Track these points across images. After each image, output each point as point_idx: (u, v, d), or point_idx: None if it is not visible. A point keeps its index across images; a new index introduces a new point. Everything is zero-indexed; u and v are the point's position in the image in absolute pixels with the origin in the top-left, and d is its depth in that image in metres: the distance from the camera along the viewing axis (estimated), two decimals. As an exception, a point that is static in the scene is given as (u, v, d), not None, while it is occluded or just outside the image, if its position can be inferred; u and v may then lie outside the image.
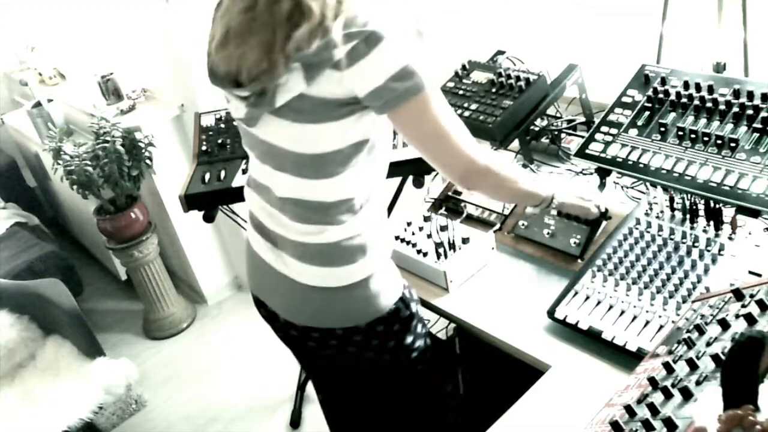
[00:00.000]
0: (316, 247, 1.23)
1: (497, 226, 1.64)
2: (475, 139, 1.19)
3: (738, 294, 0.98)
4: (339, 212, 1.21)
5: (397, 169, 1.57)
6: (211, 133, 2.15)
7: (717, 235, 1.31)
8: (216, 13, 1.19)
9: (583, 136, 1.62)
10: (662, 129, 1.43)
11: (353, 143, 1.16)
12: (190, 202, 1.94)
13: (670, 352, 0.97)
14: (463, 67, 1.91)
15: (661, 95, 1.49)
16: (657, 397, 0.86)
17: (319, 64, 1.06)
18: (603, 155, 1.48)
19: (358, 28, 1.04)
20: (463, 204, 1.73)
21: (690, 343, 0.94)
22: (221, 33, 1.13)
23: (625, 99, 1.55)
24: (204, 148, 2.09)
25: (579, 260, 1.47)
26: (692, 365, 0.88)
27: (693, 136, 1.38)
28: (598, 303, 1.30)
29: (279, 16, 1.05)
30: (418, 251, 1.54)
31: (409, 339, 1.33)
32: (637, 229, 1.41)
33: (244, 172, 1.97)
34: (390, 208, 1.87)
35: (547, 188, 1.38)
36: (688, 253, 1.30)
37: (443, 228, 1.54)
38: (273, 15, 1.06)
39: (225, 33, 1.12)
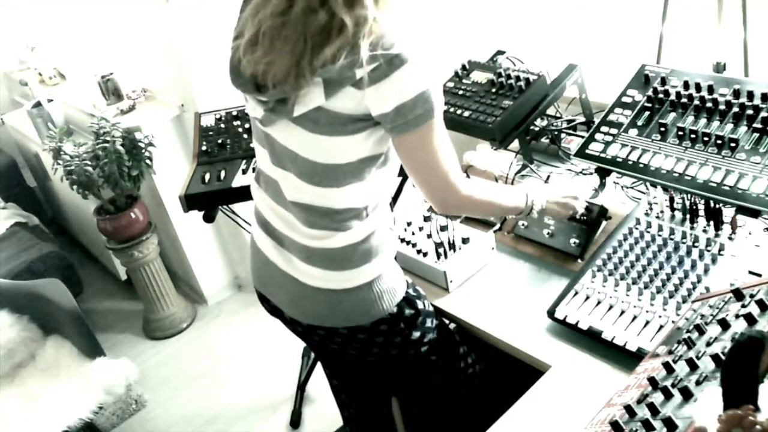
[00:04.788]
0: (323, 252, 1.24)
1: (497, 226, 1.64)
2: (459, 166, 1.23)
3: (738, 294, 0.98)
4: (346, 219, 1.22)
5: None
6: (211, 133, 2.15)
7: (717, 235, 1.32)
8: (244, 11, 1.14)
9: (583, 136, 1.62)
10: (662, 129, 1.43)
11: (366, 157, 1.17)
12: (190, 202, 1.94)
13: (670, 352, 0.97)
14: (463, 67, 1.91)
15: (661, 95, 1.48)
16: (657, 397, 0.86)
17: (340, 81, 1.06)
18: (603, 155, 1.48)
19: (384, 50, 1.04)
20: (463, 204, 1.73)
21: (690, 343, 0.94)
22: (252, 33, 1.09)
23: (625, 99, 1.55)
24: (204, 148, 2.09)
25: (579, 260, 1.47)
26: (692, 365, 0.88)
27: (693, 136, 1.38)
28: (598, 303, 1.30)
29: (313, 27, 1.04)
30: (418, 251, 1.54)
31: (417, 334, 1.34)
32: (637, 229, 1.41)
33: (244, 172, 1.97)
34: (390, 208, 1.87)
35: (526, 198, 1.38)
36: (688, 253, 1.30)
37: (443, 228, 1.53)
38: (307, 24, 1.04)
39: (255, 34, 1.09)
